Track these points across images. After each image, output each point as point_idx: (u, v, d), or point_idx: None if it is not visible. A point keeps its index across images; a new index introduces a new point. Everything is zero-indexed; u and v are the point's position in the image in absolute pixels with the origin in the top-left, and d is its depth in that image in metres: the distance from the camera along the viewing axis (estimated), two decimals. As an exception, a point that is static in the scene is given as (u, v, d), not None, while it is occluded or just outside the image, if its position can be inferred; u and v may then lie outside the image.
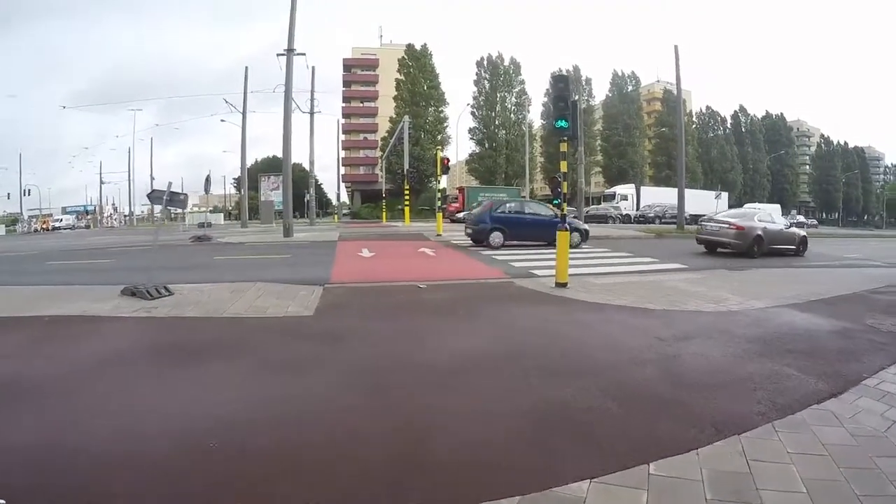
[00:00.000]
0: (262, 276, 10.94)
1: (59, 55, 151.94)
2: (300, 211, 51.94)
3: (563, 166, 10.49)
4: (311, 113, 36.87)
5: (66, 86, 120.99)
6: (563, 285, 10.02)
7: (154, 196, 10.52)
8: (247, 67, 37.71)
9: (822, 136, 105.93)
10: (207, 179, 24.42)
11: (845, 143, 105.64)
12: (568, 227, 10.31)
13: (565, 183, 10.45)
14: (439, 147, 26.35)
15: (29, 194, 72.01)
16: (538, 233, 17.96)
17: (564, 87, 9.97)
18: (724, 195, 45.56)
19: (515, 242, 18.27)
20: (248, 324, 6.98)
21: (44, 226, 67.13)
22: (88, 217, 75.71)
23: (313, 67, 37.40)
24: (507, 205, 19.95)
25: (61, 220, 72.50)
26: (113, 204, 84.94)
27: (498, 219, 18.42)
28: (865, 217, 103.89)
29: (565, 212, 10.52)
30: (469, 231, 19.28)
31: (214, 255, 16.72)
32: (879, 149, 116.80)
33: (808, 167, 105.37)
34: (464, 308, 8.04)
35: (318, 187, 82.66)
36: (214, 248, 19.59)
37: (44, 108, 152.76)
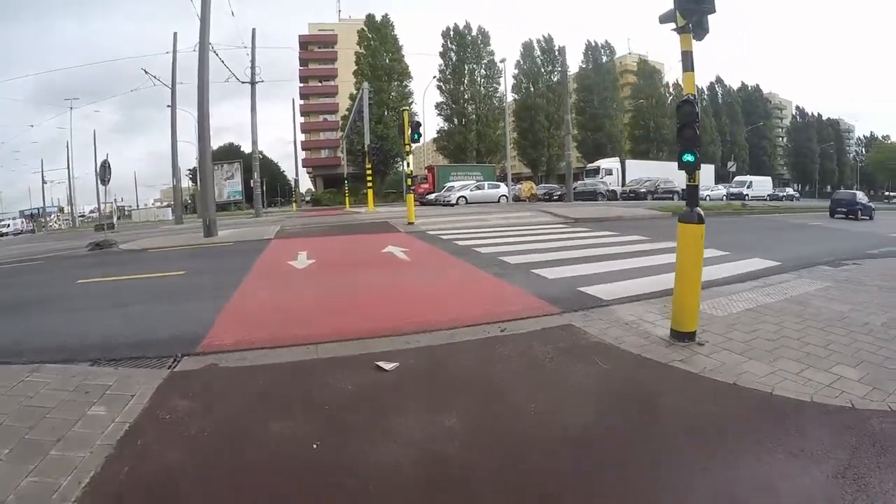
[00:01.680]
0: (93, 330, 6.00)
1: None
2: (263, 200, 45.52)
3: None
4: (252, 83, 31.06)
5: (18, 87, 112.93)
6: (691, 337, 4.80)
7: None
8: (175, 33, 31.33)
9: (797, 107, 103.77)
10: (103, 166, 18.59)
11: (819, 115, 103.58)
12: (699, 215, 4.92)
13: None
14: (406, 108, 20.41)
15: None
16: None
17: (691, 112, 4.68)
18: (734, 165, 41.36)
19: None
20: None
21: None
22: (33, 221, 69.70)
23: (253, 30, 31.53)
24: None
25: (8, 224, 66.79)
26: (59, 206, 78.84)
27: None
28: (841, 188, 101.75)
29: (697, 184, 5.13)
30: None
31: (84, 274, 11.17)
32: (849, 121, 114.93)
33: (782, 139, 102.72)
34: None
35: (280, 174, 78.30)
36: (99, 261, 14.01)
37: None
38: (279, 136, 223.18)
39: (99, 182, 19.13)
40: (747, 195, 43.48)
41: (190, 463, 3.02)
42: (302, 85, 77.54)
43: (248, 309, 6.82)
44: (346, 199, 47.14)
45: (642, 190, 40.60)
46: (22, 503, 2.63)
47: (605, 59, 74.13)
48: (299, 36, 78.19)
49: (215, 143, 76.39)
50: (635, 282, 7.48)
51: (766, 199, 47.24)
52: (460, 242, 12.47)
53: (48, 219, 69.06)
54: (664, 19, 4.80)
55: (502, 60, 47.56)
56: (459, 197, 34.56)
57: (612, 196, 40.58)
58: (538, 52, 68.22)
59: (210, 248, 14.62)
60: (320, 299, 7.24)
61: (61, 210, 74.31)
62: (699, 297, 4.92)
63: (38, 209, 72.88)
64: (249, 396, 3.91)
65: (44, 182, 68.15)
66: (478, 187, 36.62)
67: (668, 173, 40.41)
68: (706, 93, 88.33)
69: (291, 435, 3.31)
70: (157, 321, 6.33)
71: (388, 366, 4.28)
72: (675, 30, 4.73)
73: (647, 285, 7.18)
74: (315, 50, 78.50)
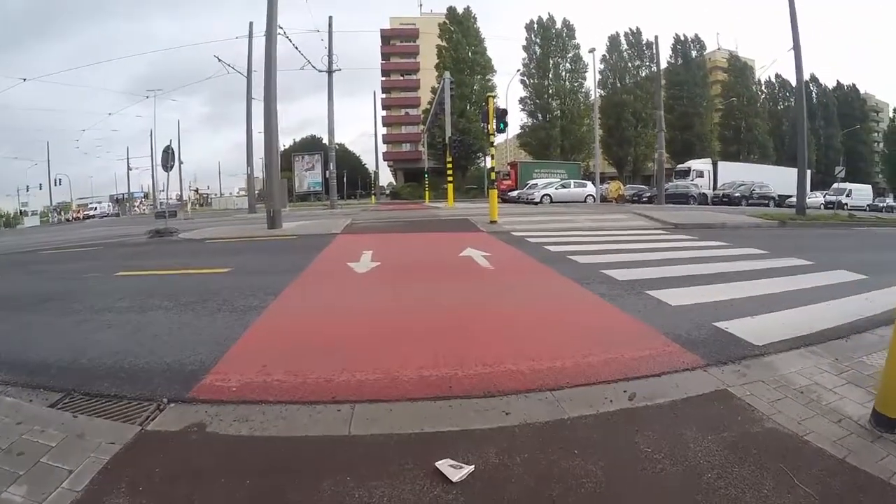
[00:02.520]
0: (88, 345, 4.87)
1: (104, 53, 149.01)
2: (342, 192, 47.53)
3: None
4: (329, 72, 30.04)
5: (116, 80, 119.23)
6: None
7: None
8: (251, 22, 31.03)
9: (894, 110, 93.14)
10: (165, 152, 17.84)
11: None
12: None
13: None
14: (492, 95, 18.79)
15: (59, 184, 69.93)
16: None
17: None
18: (843, 171, 37.85)
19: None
20: None
21: (76, 215, 68.52)
22: (119, 206, 74.08)
23: (330, 17, 30.58)
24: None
25: (95, 208, 72.51)
26: (144, 191, 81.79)
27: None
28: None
29: None
30: None
31: (127, 265, 10.26)
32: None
33: (878, 144, 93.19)
34: None
35: (361, 167, 78.61)
36: (151, 251, 13.34)
37: (96, 102, 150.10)
38: (364, 131, 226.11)
39: (161, 168, 18.30)
40: (846, 204, 39.36)
41: None
42: (384, 79, 77.15)
43: (278, 329, 5.22)
44: (426, 193, 45.74)
45: (736, 194, 37.42)
46: None
47: (694, 53, 69.34)
48: (381, 30, 77.45)
49: (299, 135, 78.63)
50: (781, 316, 5.33)
51: (865, 210, 42.63)
52: (551, 248, 10.49)
53: (133, 203, 72.53)
54: None
55: (591, 50, 44.73)
56: (544, 195, 32.75)
57: (703, 200, 37.43)
58: (625, 46, 64.95)
59: (269, 242, 13.42)
60: (373, 320, 5.50)
61: (146, 196, 76.84)
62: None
63: (123, 194, 75.99)
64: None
65: (129, 169, 70.22)
66: (563, 186, 34.70)
67: (764, 177, 37.84)
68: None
69: None
70: (166, 338, 4.94)
71: (455, 474, 2.47)
72: None
73: (798, 321, 5.05)
74: (397, 44, 77.92)
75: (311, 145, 67.99)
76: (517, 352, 4.23)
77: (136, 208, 73.04)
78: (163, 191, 41.40)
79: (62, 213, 70.63)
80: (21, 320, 5.99)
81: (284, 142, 72.93)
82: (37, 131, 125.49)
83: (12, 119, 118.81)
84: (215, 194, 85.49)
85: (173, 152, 18.17)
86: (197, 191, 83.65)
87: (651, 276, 7.36)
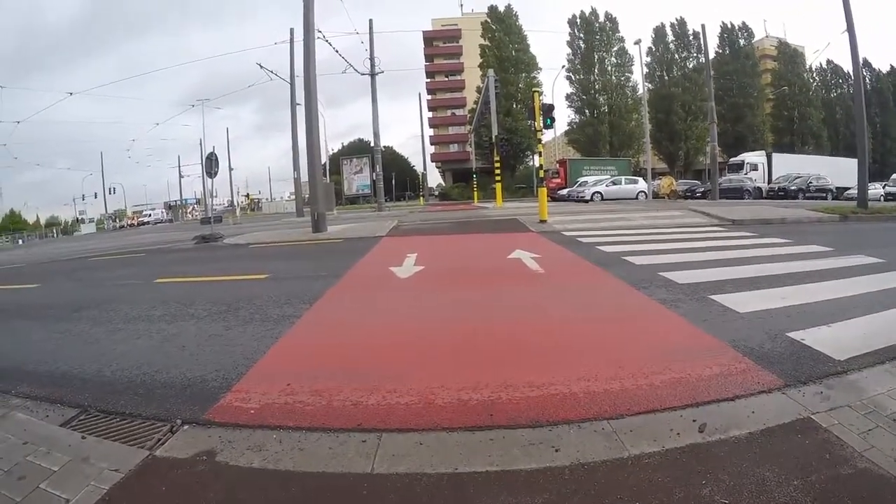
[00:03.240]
0: (115, 356, 4.81)
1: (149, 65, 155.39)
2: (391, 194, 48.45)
3: None
4: (372, 74, 29.90)
5: (166, 92, 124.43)
6: None
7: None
8: (292, 29, 31.29)
9: None
10: (209, 158, 17.94)
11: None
12: None
13: None
14: (538, 90, 18.22)
15: (113, 192, 73.69)
16: None
17: None
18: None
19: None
20: None
21: (131, 221, 73.16)
22: (171, 212, 78.30)
23: (370, 20, 30.46)
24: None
25: (150, 215, 77.06)
26: (196, 197, 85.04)
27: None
28: None
29: None
30: None
31: (169, 271, 10.33)
32: None
33: None
34: None
35: (410, 169, 79.11)
36: (196, 257, 13.50)
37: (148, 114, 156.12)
38: (412, 134, 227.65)
39: (206, 174, 18.37)
40: (905, 197, 37.26)
41: None
42: (428, 80, 77.55)
43: (309, 343, 4.89)
44: (475, 193, 45.28)
45: (792, 187, 35.79)
46: None
47: (742, 42, 66.77)
48: (423, 32, 77.82)
49: (347, 139, 79.80)
50: (860, 324, 4.60)
51: (926, 204, 40.30)
52: (605, 248, 9.86)
53: (185, 210, 75.67)
54: None
55: (636, 42, 43.57)
56: (594, 193, 32.10)
57: (757, 194, 36.17)
58: (671, 38, 62.84)
59: (312, 246, 13.28)
60: (411, 332, 5.08)
61: (198, 202, 79.39)
62: None
63: (176, 201, 79.29)
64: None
65: (181, 176, 72.95)
66: (614, 183, 33.88)
67: (820, 169, 36.27)
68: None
69: None
70: (193, 350, 4.73)
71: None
72: None
73: (879, 330, 4.35)
74: (440, 45, 78.22)
75: (359, 149, 68.80)
76: (569, 369, 3.72)
77: (188, 214, 75.70)
78: (215, 196, 42.57)
79: (117, 220, 74.02)
80: (55, 329, 5.97)
81: (333, 146, 73.90)
82: (90, 142, 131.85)
83: (68, 132, 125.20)
84: (266, 199, 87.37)
85: (217, 159, 18.28)
86: (248, 196, 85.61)
87: (713, 279, 6.69)
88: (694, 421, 2.93)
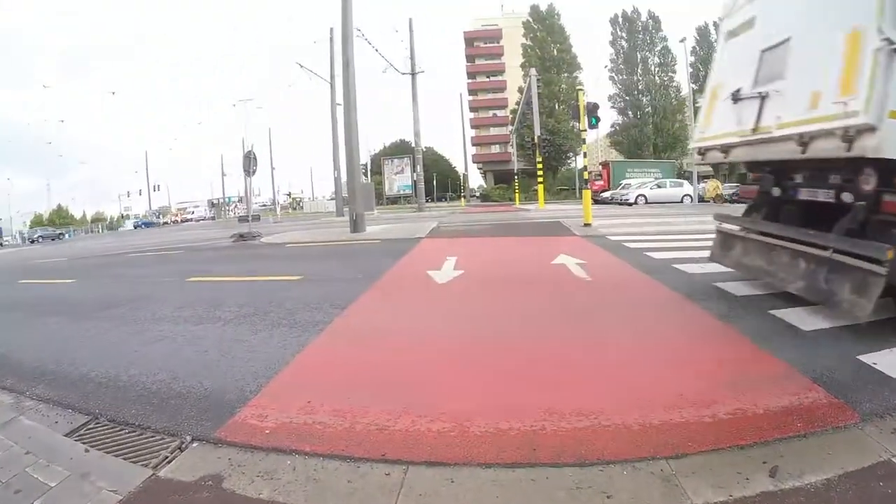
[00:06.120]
0: (135, 359, 4.72)
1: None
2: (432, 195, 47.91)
3: None
4: (413, 74, 29.76)
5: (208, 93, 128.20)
6: None
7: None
8: (332, 28, 31.33)
9: None
10: (247, 157, 17.87)
11: None
12: None
13: None
14: (581, 88, 17.73)
15: (158, 189, 77.79)
16: None
17: None
18: None
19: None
20: None
21: (175, 218, 76.58)
22: (214, 209, 79.40)
23: (410, 19, 30.37)
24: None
25: (193, 212, 79.74)
26: (239, 195, 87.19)
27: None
28: None
29: None
30: None
31: (202, 270, 10.27)
32: None
33: None
34: None
35: (451, 169, 79.19)
36: (231, 255, 13.62)
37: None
38: (454, 136, 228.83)
39: (244, 172, 18.32)
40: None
41: None
42: (469, 81, 77.24)
43: (336, 353, 4.56)
44: (516, 195, 44.32)
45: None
46: None
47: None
48: (464, 32, 78.02)
49: (388, 140, 79.98)
50: None
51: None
52: (653, 255, 9.30)
53: (227, 207, 76.86)
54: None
55: (682, 40, 42.37)
56: (638, 195, 31.18)
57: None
58: (715, 37, 61.15)
59: (349, 247, 13.10)
60: (447, 345, 4.68)
61: (240, 200, 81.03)
62: None
63: (219, 199, 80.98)
64: None
65: (223, 175, 74.37)
66: (658, 185, 32.85)
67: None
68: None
69: None
70: (213, 356, 4.54)
71: None
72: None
73: None
74: (480, 46, 77.70)
75: (400, 149, 68.75)
76: (622, 395, 3.30)
77: (231, 212, 76.73)
78: (258, 195, 43.12)
79: (160, 217, 76.32)
80: (82, 328, 5.99)
81: (374, 146, 74.16)
82: (134, 143, 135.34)
83: (111, 130, 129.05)
84: (308, 198, 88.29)
85: (255, 157, 18.27)
86: (290, 195, 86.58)
87: (770, 290, 6.13)
88: (764, 462, 2.49)
